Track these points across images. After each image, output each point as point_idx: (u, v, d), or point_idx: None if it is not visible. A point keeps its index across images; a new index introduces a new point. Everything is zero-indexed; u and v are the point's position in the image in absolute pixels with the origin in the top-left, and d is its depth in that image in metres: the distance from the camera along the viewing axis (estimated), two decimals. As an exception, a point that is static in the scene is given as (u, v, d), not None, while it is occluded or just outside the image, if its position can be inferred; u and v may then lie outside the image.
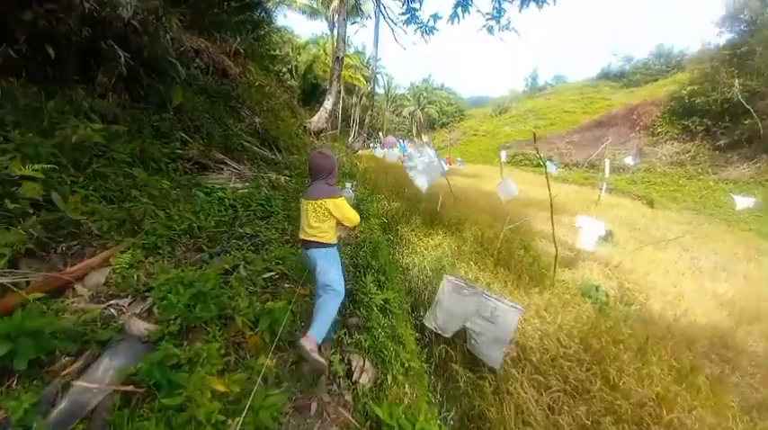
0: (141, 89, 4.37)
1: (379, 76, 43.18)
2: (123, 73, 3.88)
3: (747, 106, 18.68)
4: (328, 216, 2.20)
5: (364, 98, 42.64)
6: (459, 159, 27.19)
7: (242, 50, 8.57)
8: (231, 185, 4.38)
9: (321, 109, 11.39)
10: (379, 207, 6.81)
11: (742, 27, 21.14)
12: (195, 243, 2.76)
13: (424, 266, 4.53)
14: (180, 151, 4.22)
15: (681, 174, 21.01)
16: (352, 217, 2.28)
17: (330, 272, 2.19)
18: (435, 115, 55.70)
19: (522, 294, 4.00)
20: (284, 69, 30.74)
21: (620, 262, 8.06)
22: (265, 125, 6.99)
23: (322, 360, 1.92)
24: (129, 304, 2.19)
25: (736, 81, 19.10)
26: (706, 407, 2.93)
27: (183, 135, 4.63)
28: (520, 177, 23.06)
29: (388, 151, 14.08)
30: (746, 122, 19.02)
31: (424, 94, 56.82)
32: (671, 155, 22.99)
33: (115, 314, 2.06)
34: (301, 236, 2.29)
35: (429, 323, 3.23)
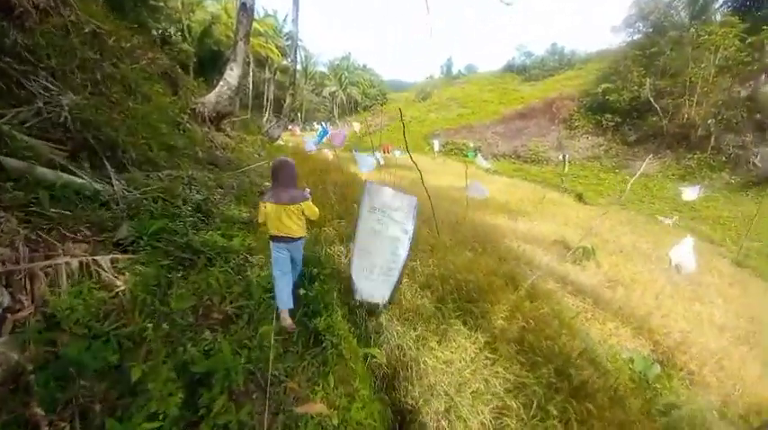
0: None
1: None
2: None
3: (655, 104, 20.13)
4: (302, 216, 2.72)
5: (279, 73, 37.18)
6: (397, 150, 22.99)
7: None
8: None
9: (221, 83, 7.58)
10: (331, 261, 3.89)
11: (645, 29, 22.79)
12: None
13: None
14: None
15: (598, 167, 22.15)
16: (317, 213, 2.81)
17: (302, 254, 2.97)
18: (358, 97, 52.47)
19: None
20: (171, 29, 24.02)
21: (624, 299, 6.61)
22: (88, 109, 3.36)
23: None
24: None
25: (648, 80, 20.41)
26: None
27: None
28: (456, 169, 21.85)
29: (363, 159, 9.40)
30: (652, 119, 20.59)
31: (346, 73, 52.90)
32: (587, 148, 24.27)
33: None
34: (282, 234, 2.65)
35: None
